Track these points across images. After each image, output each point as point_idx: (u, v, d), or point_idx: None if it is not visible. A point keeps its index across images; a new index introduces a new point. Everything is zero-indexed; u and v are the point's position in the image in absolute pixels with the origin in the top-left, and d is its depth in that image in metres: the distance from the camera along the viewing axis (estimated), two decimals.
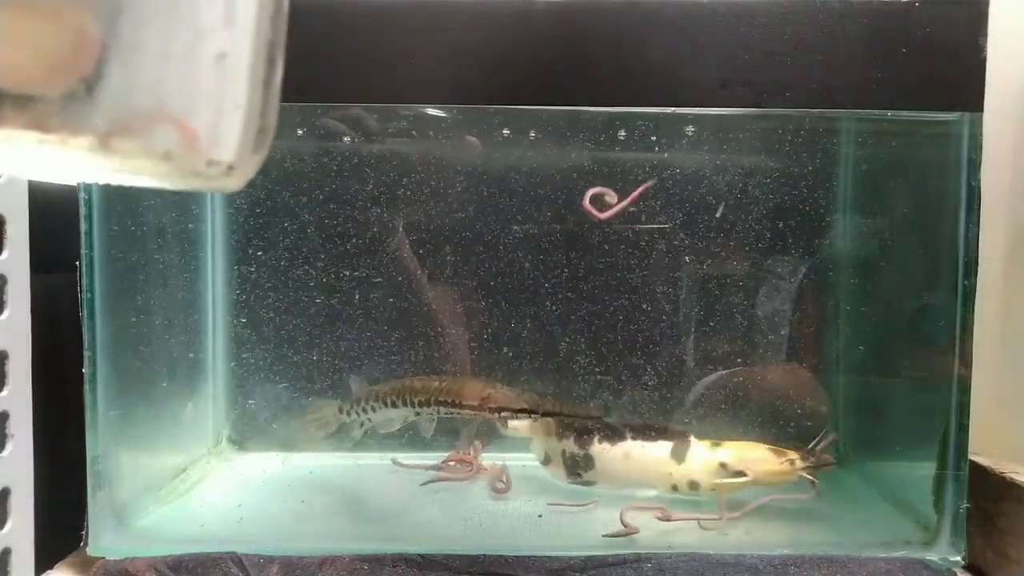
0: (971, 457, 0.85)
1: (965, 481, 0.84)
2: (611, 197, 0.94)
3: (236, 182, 0.42)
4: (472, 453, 1.08)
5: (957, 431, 0.84)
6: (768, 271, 1.09)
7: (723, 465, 0.95)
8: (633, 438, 0.99)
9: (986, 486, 0.86)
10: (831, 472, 0.96)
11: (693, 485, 0.95)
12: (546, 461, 1.04)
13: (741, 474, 0.94)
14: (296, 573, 0.79)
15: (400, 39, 0.81)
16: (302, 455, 1.13)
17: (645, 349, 1.09)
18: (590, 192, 0.95)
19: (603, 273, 1.08)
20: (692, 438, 0.97)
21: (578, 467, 1.01)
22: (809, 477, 0.93)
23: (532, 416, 0.92)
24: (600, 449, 0.99)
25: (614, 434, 0.99)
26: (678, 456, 0.96)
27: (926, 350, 0.94)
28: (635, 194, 0.97)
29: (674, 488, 0.96)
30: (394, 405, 0.97)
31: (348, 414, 1.02)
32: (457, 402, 0.92)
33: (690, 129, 1.04)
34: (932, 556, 0.84)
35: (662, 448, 0.98)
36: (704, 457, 0.96)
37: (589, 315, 1.09)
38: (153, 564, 0.79)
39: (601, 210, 0.94)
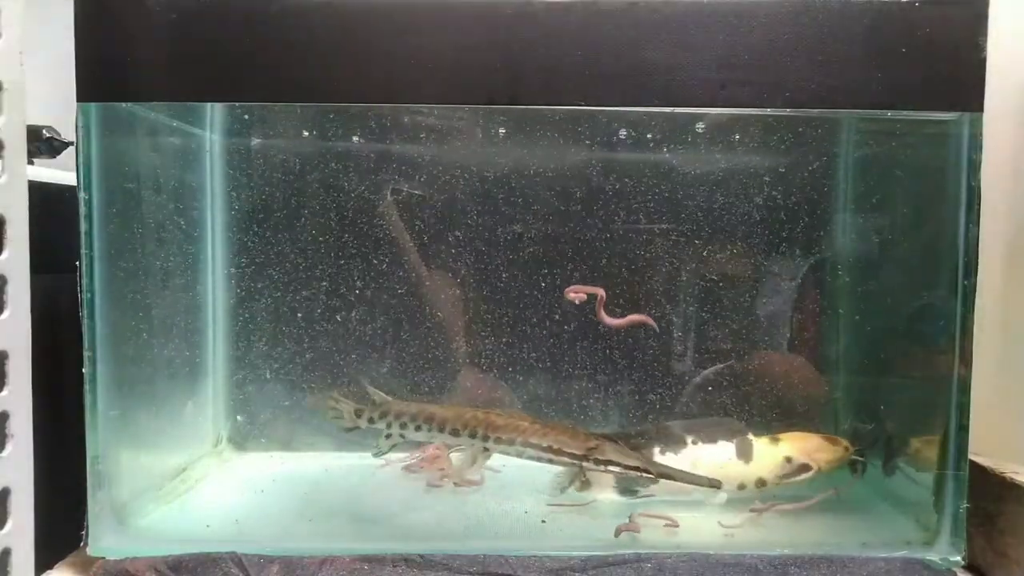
0: (971, 457, 0.85)
1: (965, 481, 0.84)
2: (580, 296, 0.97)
3: None
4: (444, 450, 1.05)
5: (957, 431, 0.84)
6: (766, 271, 1.09)
7: (788, 459, 0.95)
8: (694, 443, 0.97)
9: (986, 486, 0.86)
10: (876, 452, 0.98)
11: (761, 483, 0.95)
12: (584, 486, 0.97)
13: (807, 467, 0.94)
14: (296, 573, 0.79)
15: (399, 39, 0.81)
16: (302, 455, 1.13)
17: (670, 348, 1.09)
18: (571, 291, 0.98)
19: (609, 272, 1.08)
20: (751, 435, 0.97)
21: (633, 483, 0.96)
22: (861, 459, 0.95)
23: (643, 475, 0.86)
24: (664, 461, 0.95)
25: (676, 443, 0.97)
26: (745, 456, 0.96)
27: (926, 350, 0.94)
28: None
29: (741, 487, 0.95)
30: (455, 434, 0.89)
31: (371, 421, 0.94)
32: (555, 448, 0.87)
33: (699, 127, 1.04)
34: (932, 556, 0.84)
35: (727, 450, 0.97)
36: (770, 454, 0.96)
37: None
38: (153, 564, 0.79)
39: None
